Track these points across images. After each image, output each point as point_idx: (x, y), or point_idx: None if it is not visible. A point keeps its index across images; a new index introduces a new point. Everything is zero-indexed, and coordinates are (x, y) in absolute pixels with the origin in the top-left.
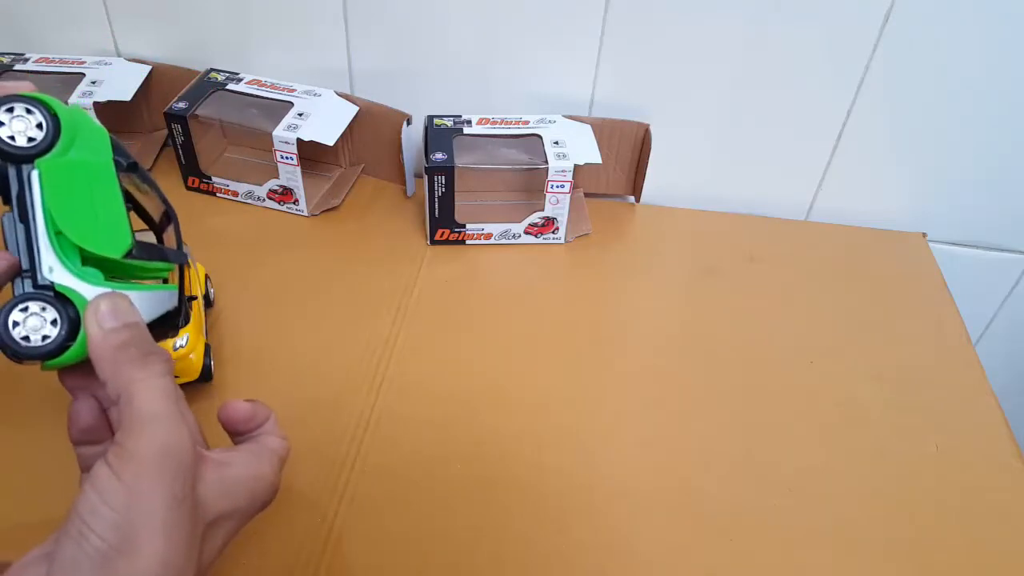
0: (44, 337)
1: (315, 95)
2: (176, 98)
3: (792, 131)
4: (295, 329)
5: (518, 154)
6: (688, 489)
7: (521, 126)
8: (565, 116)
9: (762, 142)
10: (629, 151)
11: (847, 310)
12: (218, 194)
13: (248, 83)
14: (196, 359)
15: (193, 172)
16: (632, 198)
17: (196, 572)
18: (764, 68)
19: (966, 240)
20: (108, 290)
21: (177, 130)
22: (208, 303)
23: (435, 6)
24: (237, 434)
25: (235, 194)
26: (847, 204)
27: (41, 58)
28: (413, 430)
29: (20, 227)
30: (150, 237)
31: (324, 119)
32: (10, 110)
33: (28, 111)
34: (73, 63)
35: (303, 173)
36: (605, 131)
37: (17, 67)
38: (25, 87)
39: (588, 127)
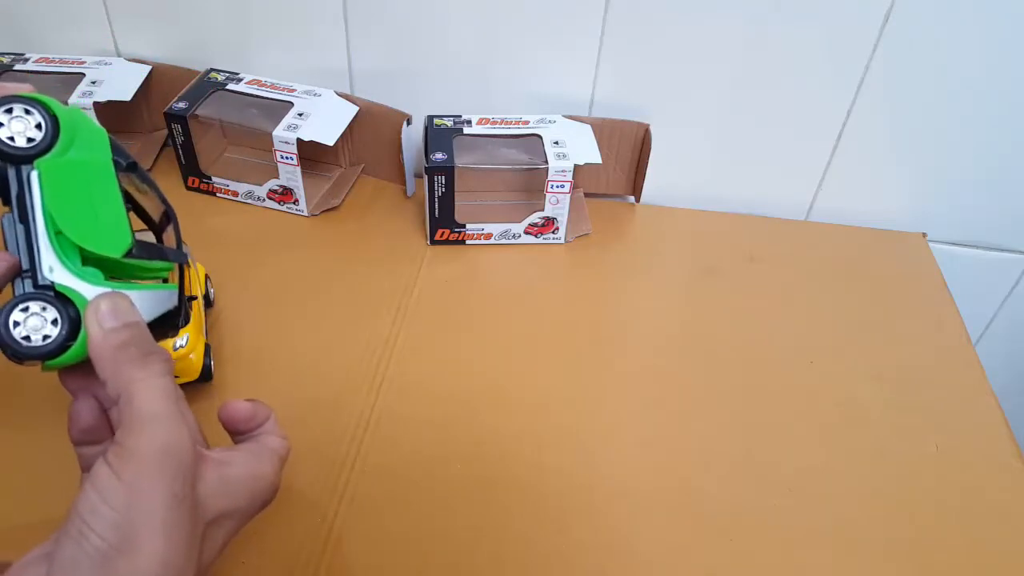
0: (45, 337)
1: (315, 95)
2: (176, 98)
3: (792, 131)
4: (295, 329)
5: (518, 154)
6: (688, 489)
7: (521, 126)
8: (565, 116)
9: (762, 142)
10: (629, 151)
11: (847, 310)
12: (218, 194)
13: (248, 83)
14: (196, 359)
15: (193, 172)
16: (632, 198)
17: (196, 571)
18: (764, 68)
19: (966, 240)
20: (108, 290)
21: (177, 130)
22: (208, 303)
23: (435, 6)
24: (237, 433)
25: (235, 194)
26: (847, 204)
27: (41, 58)
28: (413, 430)
29: (20, 227)
30: (149, 237)
31: (324, 119)
32: (9, 111)
33: (27, 112)
34: (73, 63)
35: (303, 173)
36: (605, 131)
37: (17, 67)
38: (24, 89)
39: (588, 127)
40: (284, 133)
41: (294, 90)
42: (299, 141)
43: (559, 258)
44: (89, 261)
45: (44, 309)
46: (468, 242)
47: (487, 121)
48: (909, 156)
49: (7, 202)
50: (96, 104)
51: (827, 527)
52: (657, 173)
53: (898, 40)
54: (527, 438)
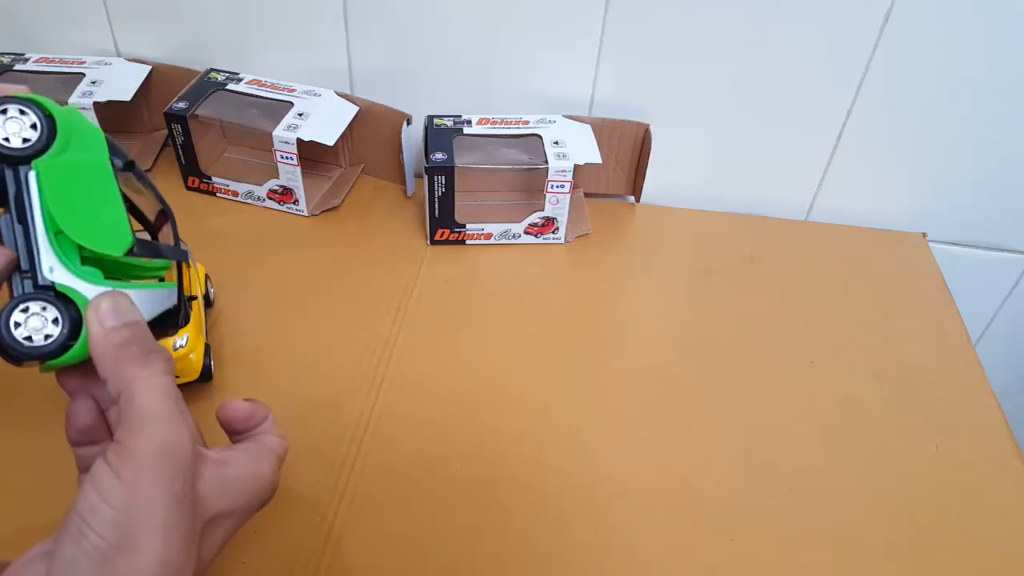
0: (47, 337)
1: (315, 95)
2: (176, 98)
3: (792, 131)
4: (295, 329)
5: (518, 154)
6: (688, 489)
7: (521, 126)
8: (565, 116)
9: (762, 142)
10: (629, 151)
11: (847, 310)
12: (218, 194)
13: (248, 83)
14: (196, 359)
15: (193, 172)
16: (632, 198)
17: (195, 570)
18: (764, 68)
19: (966, 240)
20: (109, 289)
21: (177, 130)
22: (208, 303)
23: (435, 6)
24: (236, 433)
25: (235, 194)
26: (847, 204)
27: (41, 58)
28: (413, 430)
29: (18, 228)
30: (146, 237)
31: (324, 119)
32: (4, 112)
33: (22, 112)
34: (73, 63)
35: (303, 173)
36: (605, 131)
37: (17, 67)
38: (20, 89)
39: (588, 127)
40: (284, 133)
41: (294, 90)
42: (299, 141)
43: (559, 258)
44: (88, 261)
45: (45, 309)
46: (468, 242)
47: (487, 121)
48: (909, 156)
49: (3, 203)
50: (96, 104)
51: (827, 527)
52: (657, 173)
53: (898, 40)
54: (527, 438)
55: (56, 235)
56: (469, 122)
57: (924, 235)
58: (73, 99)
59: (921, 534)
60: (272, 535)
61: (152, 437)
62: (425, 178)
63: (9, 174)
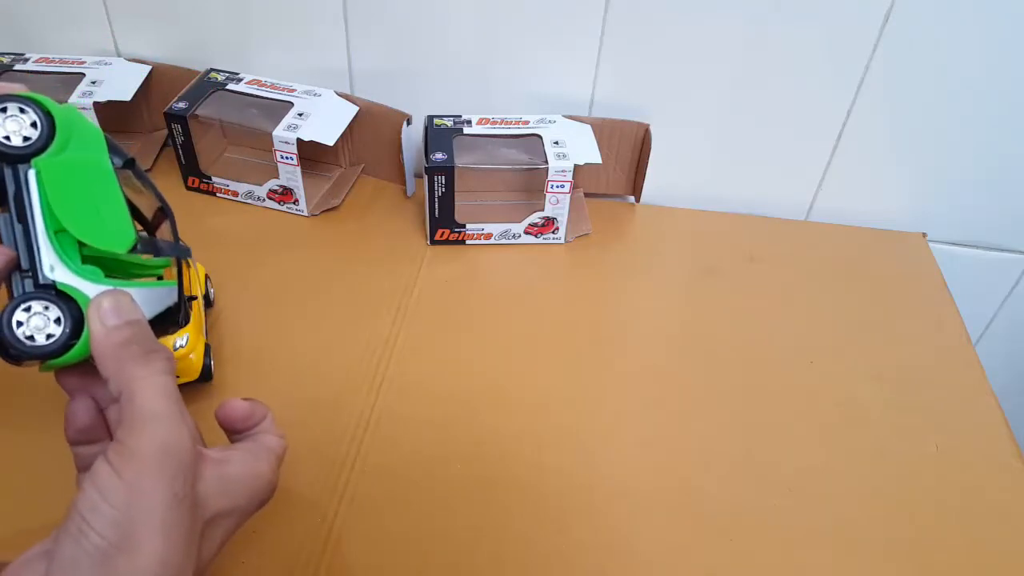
0: (48, 336)
1: (315, 95)
2: (176, 98)
3: (792, 131)
4: (295, 329)
5: (518, 154)
6: (688, 489)
7: (521, 126)
8: (565, 116)
9: (762, 142)
10: (629, 151)
11: (847, 310)
12: (218, 194)
13: (248, 83)
14: (196, 359)
15: (193, 172)
16: (632, 198)
17: (195, 570)
18: (764, 68)
19: (966, 240)
20: (110, 287)
21: (177, 130)
22: (208, 303)
23: (435, 6)
24: (235, 432)
25: (235, 194)
26: (847, 204)
27: (41, 58)
28: (413, 430)
29: (18, 227)
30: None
31: (324, 119)
32: (3, 110)
33: (22, 110)
34: (73, 63)
35: (303, 173)
36: (605, 131)
37: (17, 67)
38: (18, 88)
39: (588, 127)
40: (284, 133)
41: (294, 90)
42: (299, 141)
43: (559, 258)
44: (88, 259)
45: (47, 308)
46: (468, 242)
47: (487, 121)
48: (909, 156)
49: (3, 202)
50: (96, 104)
51: (827, 527)
52: (657, 173)
53: (898, 40)
54: (527, 438)
55: (56, 234)
56: (469, 122)
57: (924, 235)
58: (73, 99)
59: (921, 534)
60: (272, 535)
61: (153, 436)
62: (425, 178)
63: (8, 173)
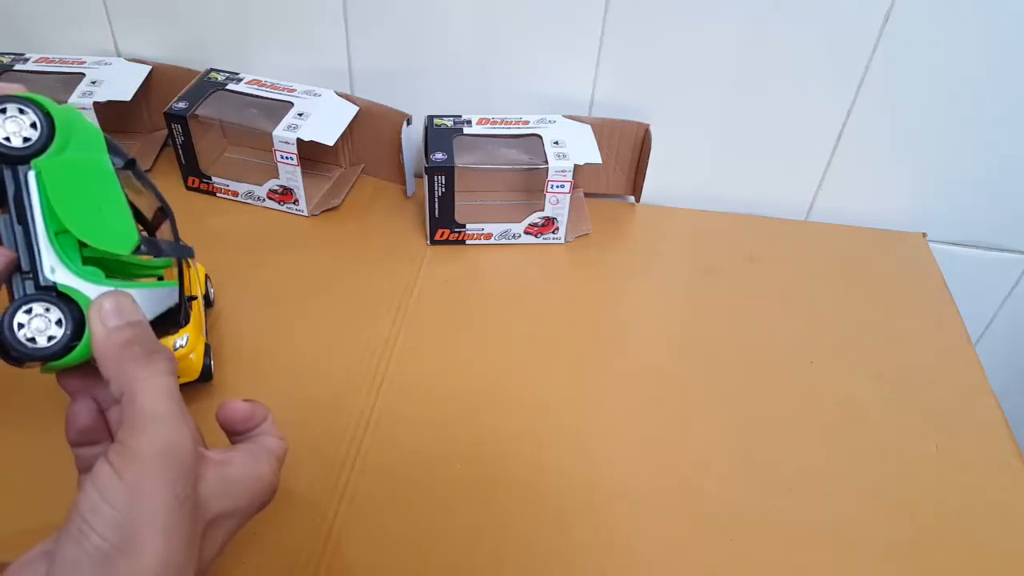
0: (50, 338)
1: (315, 95)
2: (176, 98)
3: (792, 131)
4: (295, 329)
5: (518, 154)
6: (688, 489)
7: (521, 126)
8: (565, 116)
9: (762, 142)
10: (629, 151)
11: (847, 310)
12: (218, 194)
13: (248, 83)
14: (196, 359)
15: (193, 172)
16: (632, 198)
17: (196, 571)
18: (764, 68)
19: (966, 240)
20: (111, 289)
21: (177, 130)
22: (208, 303)
23: (435, 6)
24: (235, 434)
25: (235, 194)
26: (847, 204)
27: (41, 58)
28: (413, 430)
29: (19, 228)
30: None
31: (324, 119)
32: (2, 111)
33: (21, 111)
34: (73, 63)
35: (303, 173)
36: (605, 131)
37: (17, 67)
38: (17, 88)
39: (588, 127)
40: (284, 133)
41: (294, 90)
42: (299, 141)
43: (559, 258)
44: (89, 260)
45: (48, 310)
46: (468, 242)
47: (487, 121)
48: (909, 156)
49: (2, 203)
50: (96, 104)
51: (827, 527)
52: (657, 173)
53: (898, 40)
54: (527, 438)
55: (57, 235)
56: (469, 122)
57: (924, 235)
58: (73, 99)
59: (921, 534)
60: (272, 535)
61: (154, 438)
62: (425, 178)
63: (8, 174)
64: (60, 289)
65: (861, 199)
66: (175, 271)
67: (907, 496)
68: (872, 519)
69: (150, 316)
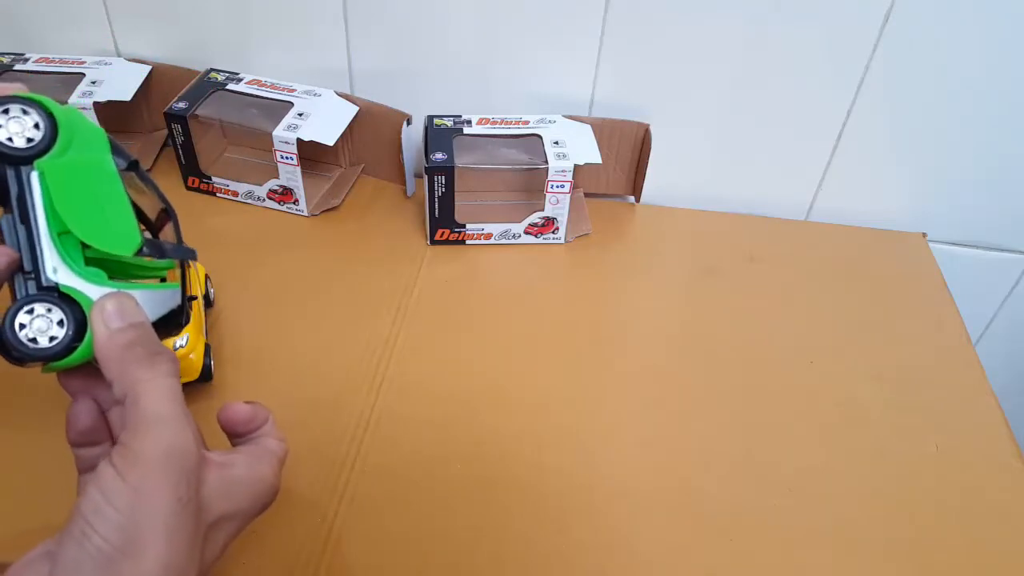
0: (51, 339)
1: (315, 95)
2: (176, 98)
3: (792, 131)
4: (295, 329)
5: (518, 154)
6: (688, 489)
7: (521, 126)
8: (565, 116)
9: (762, 142)
10: (629, 151)
11: (847, 310)
12: (218, 194)
13: (248, 83)
14: (196, 359)
15: (193, 172)
16: (632, 198)
17: (198, 573)
18: (764, 68)
19: (966, 240)
20: (113, 290)
21: (177, 130)
22: (208, 303)
23: (435, 6)
24: (236, 435)
25: (235, 194)
26: (847, 204)
27: (41, 58)
28: (413, 430)
29: (21, 228)
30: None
31: (324, 119)
32: (6, 111)
33: (24, 112)
34: (73, 63)
35: (303, 173)
36: (605, 131)
37: (17, 67)
38: (17, 88)
39: (588, 127)
40: (284, 133)
41: (294, 90)
42: (299, 141)
43: (559, 258)
44: (91, 261)
45: (49, 311)
46: (468, 242)
47: (487, 121)
48: (909, 156)
49: (5, 203)
50: (96, 104)
51: (827, 527)
52: (657, 173)
53: (898, 40)
54: (527, 438)
55: (59, 236)
56: (469, 122)
57: (924, 235)
58: (73, 99)
59: (921, 534)
60: (272, 535)
61: (158, 440)
62: (425, 178)
63: (11, 174)
64: (62, 290)
65: (861, 199)
66: (177, 272)
67: (907, 496)
68: (872, 519)
69: (152, 317)
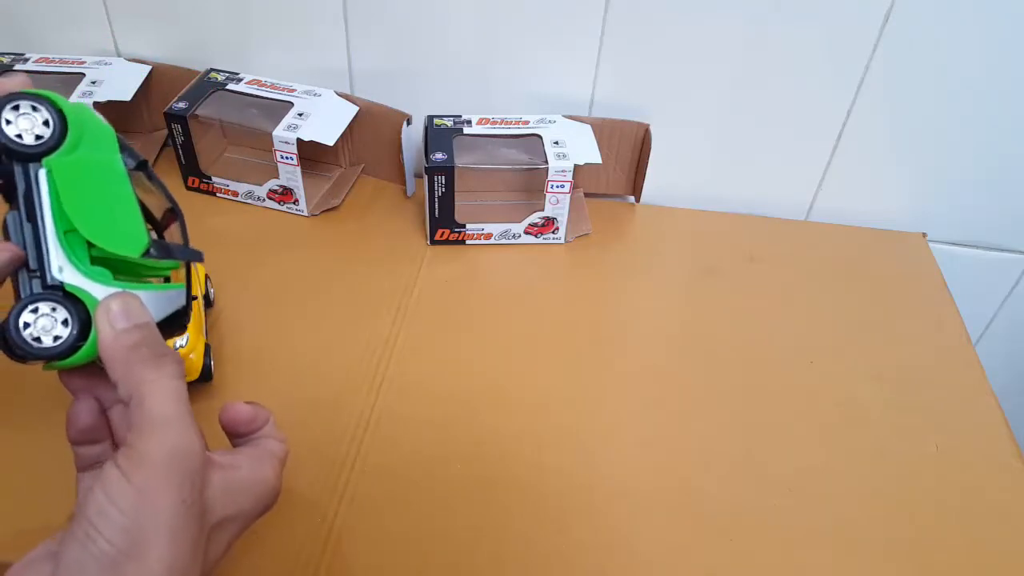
0: (56, 338)
1: (315, 95)
2: (176, 98)
3: (792, 131)
4: (295, 329)
5: (518, 154)
6: (688, 489)
7: (521, 126)
8: (565, 116)
9: (762, 142)
10: (629, 151)
11: (847, 310)
12: (218, 194)
13: (248, 83)
14: (196, 359)
15: (193, 172)
16: (632, 198)
17: (200, 575)
18: (764, 68)
19: (966, 240)
20: (118, 290)
21: (177, 130)
22: (208, 303)
23: (435, 6)
24: (238, 436)
25: (235, 194)
26: (847, 204)
27: (41, 58)
28: (413, 430)
29: (27, 226)
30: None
31: (324, 119)
32: (16, 108)
33: (34, 108)
34: (73, 63)
35: (303, 173)
36: (605, 131)
37: (17, 67)
38: (17, 82)
39: (588, 127)
40: (284, 133)
41: (294, 90)
42: (299, 141)
43: (559, 258)
44: (97, 260)
45: (54, 310)
46: (468, 242)
47: (487, 121)
48: (909, 156)
49: (11, 200)
50: (96, 104)
51: (827, 527)
52: (657, 173)
53: (898, 40)
54: (527, 438)
55: (66, 234)
56: (469, 122)
57: (924, 235)
58: (73, 99)
59: (921, 534)
60: (272, 535)
61: (163, 441)
62: (425, 178)
63: (19, 171)
64: (67, 289)
65: (861, 199)
66: (182, 272)
67: (907, 496)
68: (872, 519)
69: (157, 318)
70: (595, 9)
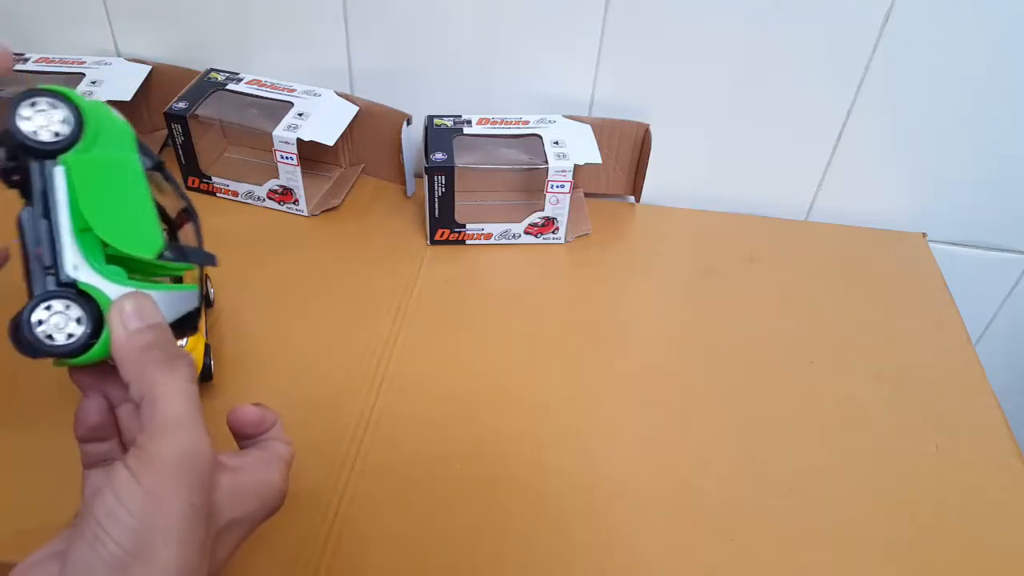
0: (68, 336)
1: (315, 95)
2: (176, 98)
3: (792, 131)
4: (295, 329)
5: (518, 154)
6: (688, 489)
7: (521, 126)
8: (565, 116)
9: (762, 142)
10: (629, 151)
11: (847, 310)
12: (218, 194)
13: (248, 83)
14: (196, 359)
15: (193, 172)
16: (632, 198)
17: None
18: (764, 68)
19: (966, 240)
20: (132, 289)
21: (177, 130)
22: (208, 303)
23: (435, 6)
24: (245, 438)
25: (235, 194)
26: (847, 204)
27: (41, 58)
28: (413, 430)
29: (43, 223)
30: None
31: (324, 119)
32: (33, 104)
33: (52, 105)
34: (73, 63)
35: (303, 173)
36: (605, 131)
37: (17, 67)
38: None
39: (588, 127)
40: (284, 133)
41: (294, 90)
42: (299, 141)
43: (559, 258)
44: (111, 259)
45: (68, 308)
46: (468, 242)
47: (487, 121)
48: (909, 156)
49: (27, 196)
50: None
51: (827, 527)
52: (657, 173)
53: (898, 40)
54: (527, 438)
55: (81, 232)
56: (469, 122)
57: (924, 235)
58: None
59: (921, 534)
60: (272, 535)
61: (174, 444)
62: (425, 178)
63: (35, 168)
64: (80, 287)
65: (861, 199)
66: (195, 273)
67: (907, 496)
68: (872, 519)
69: (169, 319)
70: (595, 9)
